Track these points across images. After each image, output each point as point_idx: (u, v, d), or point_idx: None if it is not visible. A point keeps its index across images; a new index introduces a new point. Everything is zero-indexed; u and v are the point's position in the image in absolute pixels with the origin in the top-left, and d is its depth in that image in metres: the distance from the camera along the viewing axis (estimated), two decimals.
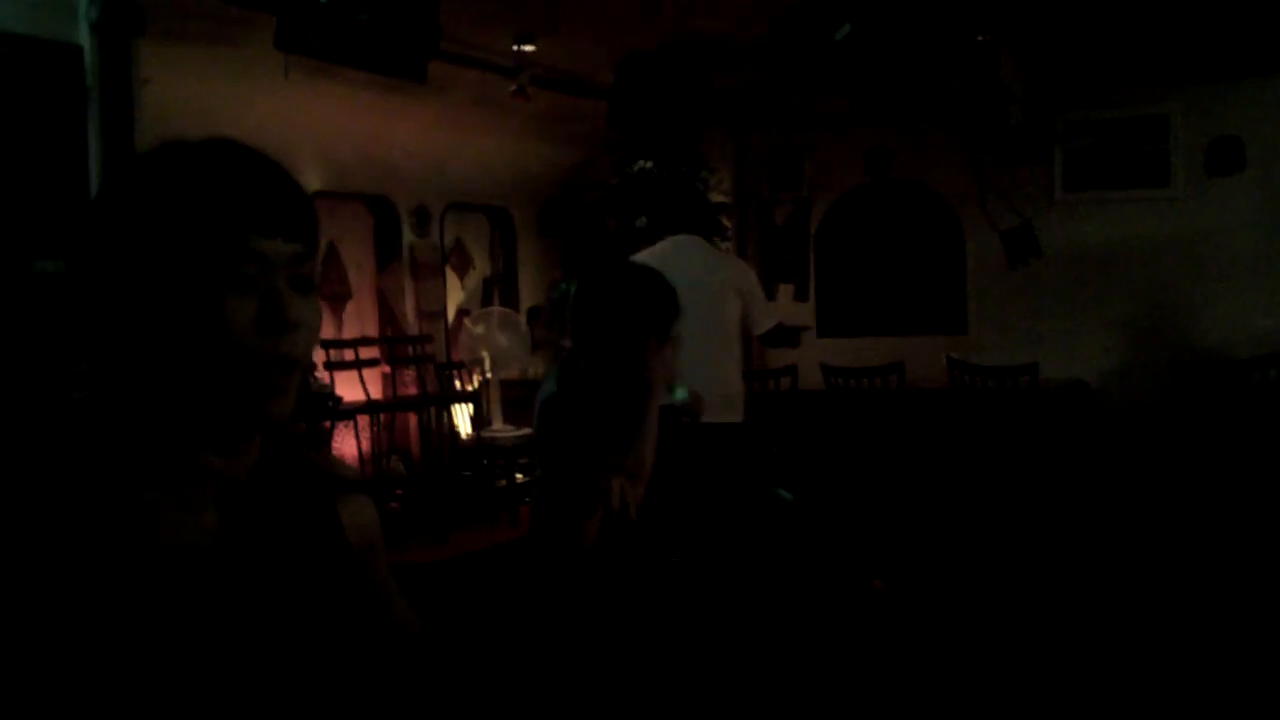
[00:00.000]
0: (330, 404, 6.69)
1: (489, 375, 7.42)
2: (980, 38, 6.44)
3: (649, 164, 7.17)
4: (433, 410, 7.46)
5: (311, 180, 7.03)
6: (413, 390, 7.69)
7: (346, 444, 7.15)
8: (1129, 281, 7.70)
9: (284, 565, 1.00)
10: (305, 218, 0.97)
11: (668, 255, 4.46)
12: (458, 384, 7.62)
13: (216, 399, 0.93)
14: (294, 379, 0.96)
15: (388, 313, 7.93)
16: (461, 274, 8.68)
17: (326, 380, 6.85)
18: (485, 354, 7.44)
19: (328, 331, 7.51)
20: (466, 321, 7.95)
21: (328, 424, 6.92)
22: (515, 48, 6.46)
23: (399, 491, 7.20)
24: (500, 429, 7.15)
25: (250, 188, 0.94)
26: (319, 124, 6.61)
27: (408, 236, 7.83)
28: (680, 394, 3.88)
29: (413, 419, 7.63)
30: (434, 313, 8.11)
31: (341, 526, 1.08)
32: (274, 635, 0.96)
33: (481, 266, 8.90)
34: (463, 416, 7.66)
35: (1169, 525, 5.92)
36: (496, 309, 8.01)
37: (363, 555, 1.09)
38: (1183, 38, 6.80)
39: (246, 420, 0.96)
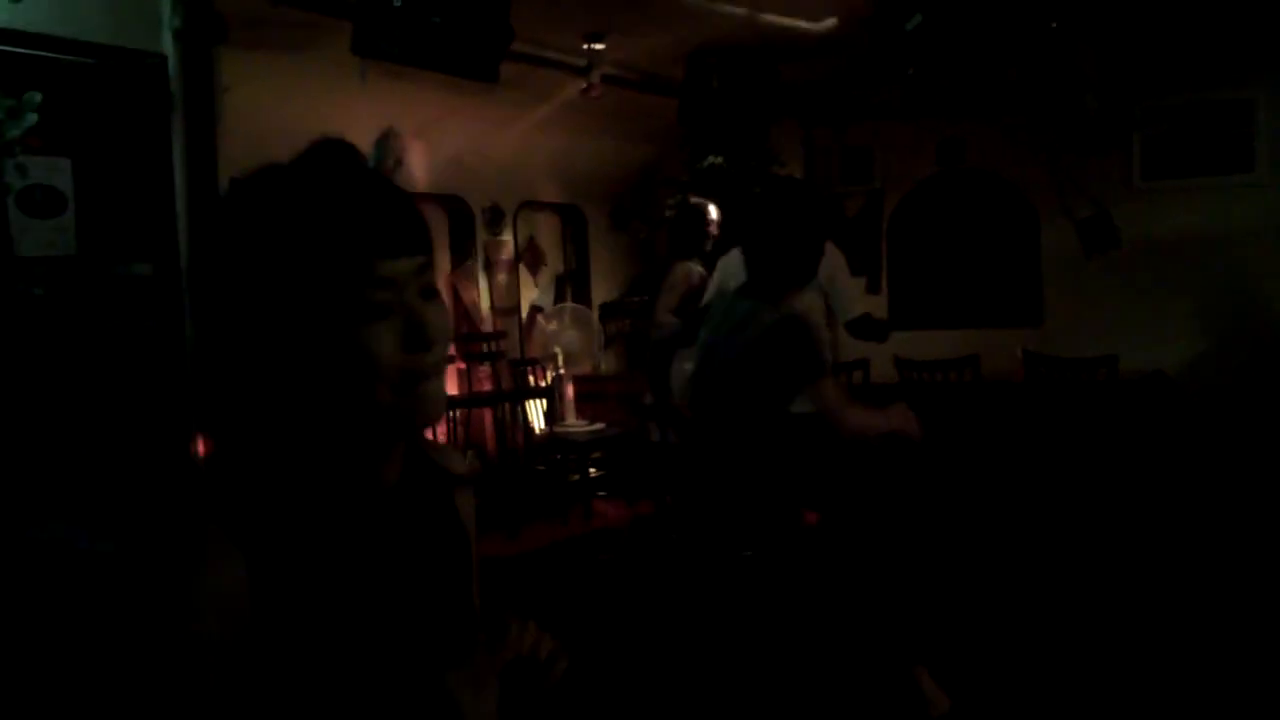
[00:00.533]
0: None
1: (562, 371, 7.48)
2: (1054, 24, 6.35)
3: (719, 159, 7.18)
4: (507, 406, 7.54)
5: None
6: (487, 386, 7.79)
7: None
8: (1211, 270, 7.54)
9: (424, 559, 1.04)
10: (420, 228, 0.98)
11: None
12: (531, 380, 7.69)
13: (369, 411, 0.94)
14: (439, 382, 0.98)
15: (462, 310, 8.03)
16: (534, 271, 8.76)
17: None
18: (558, 350, 7.51)
19: None
20: (540, 318, 8.02)
21: None
22: (585, 46, 6.50)
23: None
24: (573, 424, 7.21)
25: (366, 211, 0.94)
26: (394, 125, 6.71)
27: (481, 235, 7.92)
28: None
29: (488, 415, 7.72)
30: (508, 309, 8.20)
31: (460, 521, 1.12)
32: (415, 625, 1.01)
33: (554, 263, 8.97)
34: (536, 412, 7.73)
35: (1254, 519, 5.80)
36: (569, 305, 8.07)
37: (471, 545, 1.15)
38: (1265, 19, 6.64)
39: (400, 426, 0.98)
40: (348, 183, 0.96)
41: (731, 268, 4.54)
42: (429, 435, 1.14)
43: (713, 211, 5.79)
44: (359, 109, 6.19)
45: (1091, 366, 6.61)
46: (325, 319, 0.91)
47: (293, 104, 5.85)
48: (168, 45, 4.45)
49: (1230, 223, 7.48)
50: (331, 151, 0.98)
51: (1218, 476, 6.58)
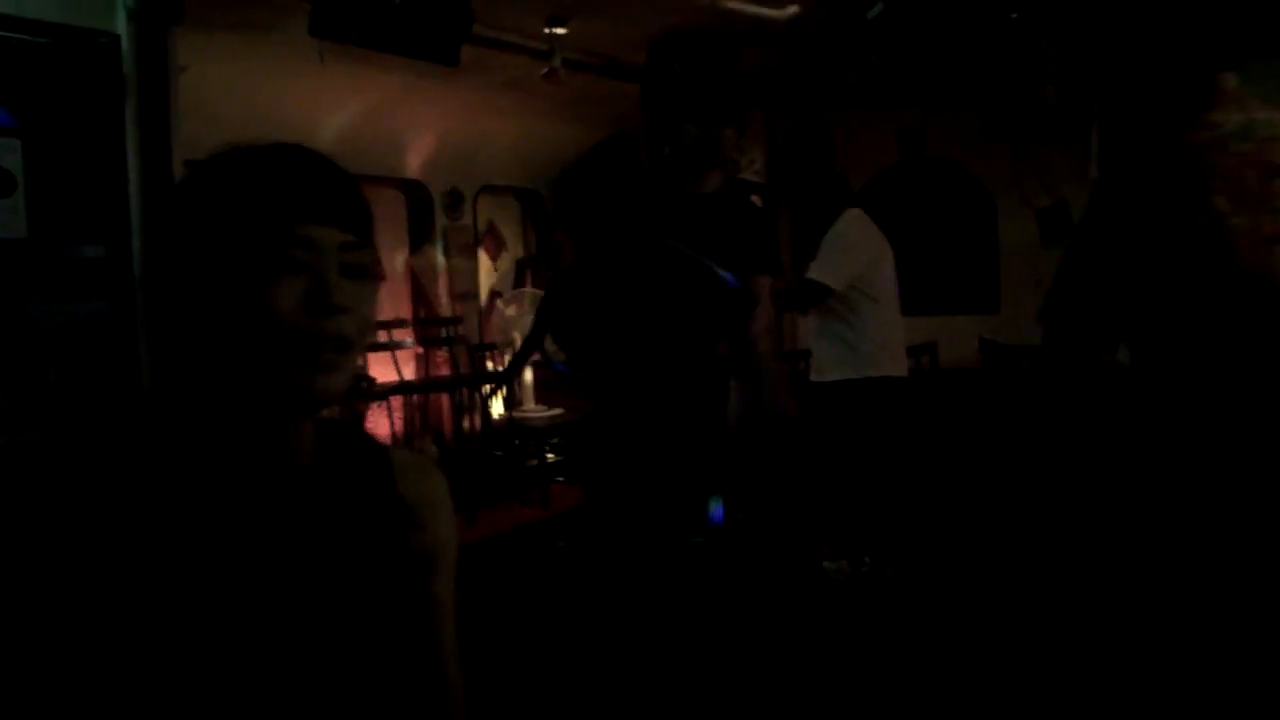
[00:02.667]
0: (364, 385, 6.76)
1: None
2: (1014, 15, 6.38)
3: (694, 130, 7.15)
4: (465, 391, 7.51)
5: (346, 164, 7.07)
6: (445, 371, 7.75)
7: (380, 425, 7.22)
8: None
9: (339, 546, 1.02)
10: (357, 209, 1.02)
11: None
12: (490, 365, 7.66)
13: (267, 377, 0.96)
14: (344, 359, 0.99)
15: (420, 295, 7.99)
16: (494, 256, 8.71)
17: (360, 361, 6.90)
18: (517, 335, 7.47)
19: None
20: (499, 303, 7.99)
21: (361, 405, 6.99)
22: (547, 30, 6.46)
23: None
24: (532, 409, 7.19)
25: (303, 178, 0.99)
26: (353, 109, 6.65)
27: (440, 219, 7.86)
28: None
29: (445, 400, 7.69)
30: (467, 294, 8.15)
31: (405, 505, 1.10)
32: (320, 611, 0.99)
33: (514, 248, 8.93)
34: (495, 397, 7.70)
35: (1197, 500, 5.88)
36: (529, 290, 8.04)
37: (423, 528, 1.12)
38: (1222, 13, 6.69)
39: (296, 397, 0.98)
40: (298, 155, 1.01)
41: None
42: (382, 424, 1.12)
43: None
44: (317, 91, 6.12)
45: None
46: (243, 264, 0.94)
47: (250, 86, 5.78)
48: (121, 25, 4.37)
49: None
50: (298, 145, 1.03)
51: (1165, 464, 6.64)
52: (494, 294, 8.37)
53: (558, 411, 7.06)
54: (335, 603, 1.00)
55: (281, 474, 1.00)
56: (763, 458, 5.06)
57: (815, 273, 5.12)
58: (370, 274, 1.01)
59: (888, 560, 5.13)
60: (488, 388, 7.25)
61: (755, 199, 7.45)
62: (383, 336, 7.34)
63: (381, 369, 7.06)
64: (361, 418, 7.03)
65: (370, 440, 1.15)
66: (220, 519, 0.96)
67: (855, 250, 5.10)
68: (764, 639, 4.31)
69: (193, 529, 0.94)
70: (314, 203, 0.98)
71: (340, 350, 0.98)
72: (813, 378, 5.24)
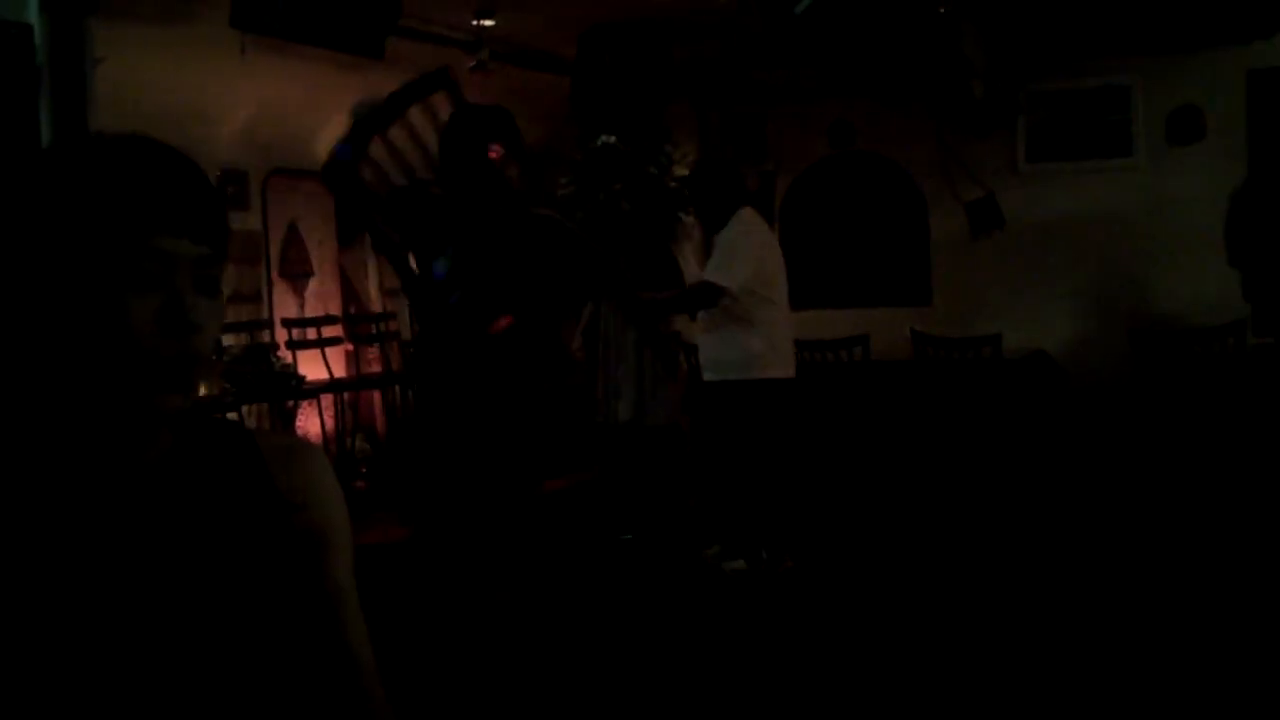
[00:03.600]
0: (293, 383, 6.65)
1: None
2: (942, 10, 6.44)
3: (612, 139, 7.13)
4: (397, 388, 7.43)
5: (271, 158, 6.96)
6: (376, 368, 7.66)
7: (310, 423, 7.11)
8: (1091, 251, 7.75)
9: (202, 537, 0.98)
10: (214, 221, 0.97)
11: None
12: None
13: (114, 392, 0.92)
14: (193, 376, 0.95)
15: (350, 291, 7.88)
16: None
17: (289, 359, 6.80)
18: None
19: (290, 310, 7.45)
20: None
21: (291, 403, 6.88)
22: (475, 22, 6.40)
23: (363, 470, 7.17)
24: None
25: (158, 186, 0.93)
26: (276, 101, 6.53)
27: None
28: None
29: (377, 397, 7.59)
30: (397, 290, 8.05)
31: (278, 489, 1.04)
32: (187, 605, 0.95)
33: None
34: None
35: (1131, 495, 5.99)
36: None
37: (303, 507, 1.05)
38: (1142, 8, 6.81)
39: (141, 415, 0.95)
40: (153, 155, 0.96)
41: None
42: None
43: None
44: (238, 84, 6.01)
45: (977, 345, 6.76)
46: (92, 276, 0.90)
47: (169, 78, 5.66)
48: (34, 15, 4.24)
49: (1109, 205, 7.69)
50: (150, 139, 0.97)
51: (1096, 453, 6.78)
52: None
53: None
54: (205, 595, 0.96)
55: (131, 467, 0.96)
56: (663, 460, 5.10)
57: (711, 274, 5.10)
58: (220, 291, 0.98)
59: (785, 554, 5.13)
60: None
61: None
62: (312, 334, 7.23)
63: (311, 366, 6.95)
64: (291, 415, 6.92)
65: (235, 427, 1.10)
66: (63, 517, 0.92)
67: (752, 251, 5.08)
68: (670, 641, 4.33)
69: (31, 530, 0.91)
70: (169, 212, 0.93)
71: (188, 368, 0.94)
72: (706, 377, 5.24)
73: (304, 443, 1.16)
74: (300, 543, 1.04)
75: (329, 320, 7.49)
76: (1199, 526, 5.35)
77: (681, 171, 7.58)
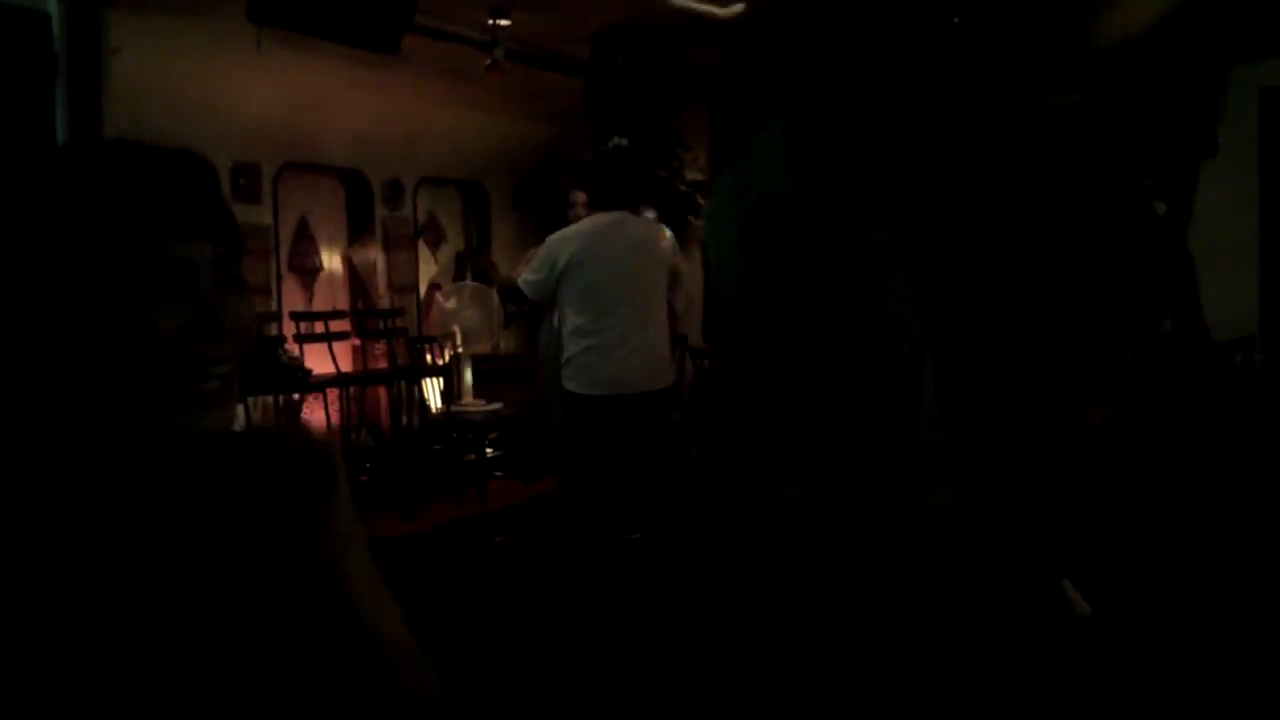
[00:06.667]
0: (300, 376, 6.67)
1: (460, 350, 7.40)
2: (956, 20, 6.44)
3: (623, 141, 7.14)
4: (403, 384, 7.44)
5: (283, 152, 6.98)
6: (383, 363, 7.68)
7: (316, 416, 7.13)
8: None
9: (209, 553, 0.94)
10: (225, 218, 0.95)
11: (600, 229, 4.63)
12: (429, 358, 7.60)
13: (144, 412, 0.89)
14: (228, 391, 0.93)
15: (359, 286, 7.91)
16: (434, 248, 8.64)
17: (296, 352, 6.83)
18: (456, 328, 7.42)
19: (299, 303, 7.48)
20: (438, 296, 7.92)
21: (297, 396, 6.90)
22: (490, 21, 6.42)
23: (368, 465, 7.19)
24: (471, 403, 7.14)
25: (170, 191, 0.91)
26: (290, 96, 6.56)
27: (380, 210, 7.79)
28: None
29: (383, 392, 7.61)
30: (406, 286, 8.08)
31: (289, 500, 0.99)
32: (190, 618, 0.92)
33: (454, 241, 8.86)
34: (433, 390, 7.64)
35: (1151, 506, 5.98)
36: (469, 283, 7.98)
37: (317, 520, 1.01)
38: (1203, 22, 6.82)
39: (176, 436, 0.91)
40: (152, 160, 0.93)
41: (569, 245, 4.62)
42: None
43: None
44: (253, 77, 6.03)
45: None
46: (115, 292, 0.87)
47: (184, 71, 5.68)
48: (52, 4, 4.27)
49: None
50: (142, 143, 0.94)
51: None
52: (433, 286, 8.30)
53: (496, 406, 7.02)
54: (216, 608, 0.93)
55: (148, 478, 0.92)
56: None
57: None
58: (244, 283, 0.96)
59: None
60: None
61: (699, 199, 7.47)
62: (320, 328, 7.25)
63: (318, 360, 6.97)
64: (297, 408, 6.95)
65: (250, 433, 1.06)
66: (77, 535, 0.89)
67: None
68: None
69: (46, 547, 0.88)
70: (183, 217, 0.90)
71: (226, 381, 0.92)
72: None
73: (311, 432, 1.10)
74: (313, 554, 1.00)
75: (337, 315, 7.51)
76: (1200, 541, 5.35)
77: (694, 175, 7.60)
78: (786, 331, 1.84)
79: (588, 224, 4.70)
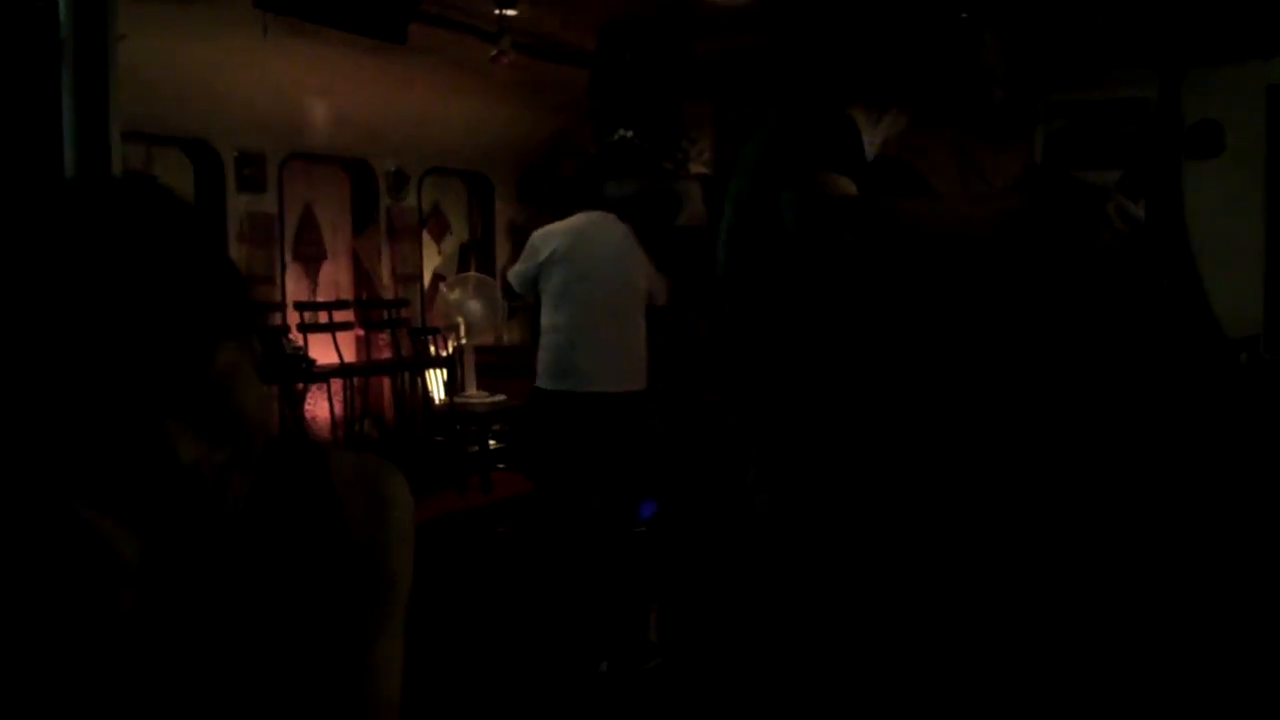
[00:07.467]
0: (303, 366, 6.67)
1: (464, 341, 7.40)
2: (964, 15, 6.42)
3: (629, 133, 7.14)
4: (406, 375, 7.44)
5: (288, 141, 6.97)
6: (387, 354, 7.67)
7: (319, 407, 7.13)
8: None
9: (277, 595, 0.92)
10: (244, 302, 0.90)
11: (582, 228, 4.63)
12: (432, 349, 7.60)
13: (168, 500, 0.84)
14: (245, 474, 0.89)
15: (363, 276, 7.90)
16: (438, 239, 8.64)
17: (300, 342, 6.83)
18: (460, 320, 7.41)
19: (303, 293, 7.48)
20: (442, 286, 7.91)
21: (300, 386, 6.90)
22: (497, 11, 6.39)
23: None
24: (474, 395, 7.14)
25: (194, 287, 0.83)
26: (296, 84, 6.54)
27: (385, 200, 7.78)
28: None
29: (386, 383, 7.61)
30: (410, 277, 8.08)
31: (350, 538, 0.97)
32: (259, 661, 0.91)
33: (459, 231, 8.86)
34: (436, 381, 7.64)
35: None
36: (473, 275, 7.97)
37: (375, 557, 0.99)
38: (1165, 22, 6.80)
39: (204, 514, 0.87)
40: (178, 247, 0.83)
41: (553, 240, 4.63)
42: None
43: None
44: (260, 64, 6.01)
45: None
46: (127, 408, 0.79)
47: (191, 56, 5.67)
48: None
49: None
50: (159, 200, 0.85)
51: None
52: (437, 277, 8.29)
53: (500, 397, 7.02)
54: (268, 648, 0.91)
55: (209, 518, 0.87)
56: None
57: None
58: (254, 351, 0.90)
59: None
60: None
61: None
62: (324, 318, 7.26)
63: (322, 350, 6.97)
64: (301, 398, 6.94)
65: (309, 452, 1.01)
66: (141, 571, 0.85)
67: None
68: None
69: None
70: (214, 319, 0.83)
71: (240, 468, 0.88)
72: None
73: (379, 466, 1.08)
74: (363, 586, 0.99)
75: (341, 305, 7.52)
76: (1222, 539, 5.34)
77: (698, 168, 7.59)
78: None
79: (573, 221, 4.70)
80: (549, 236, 4.65)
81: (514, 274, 4.81)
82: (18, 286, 0.78)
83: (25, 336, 0.77)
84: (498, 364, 7.42)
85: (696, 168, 7.47)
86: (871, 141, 2.12)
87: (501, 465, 7.11)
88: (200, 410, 0.82)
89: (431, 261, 8.48)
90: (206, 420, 0.83)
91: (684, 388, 6.15)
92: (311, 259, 7.67)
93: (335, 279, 7.83)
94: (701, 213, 5.07)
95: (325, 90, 6.74)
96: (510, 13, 6.41)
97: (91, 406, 0.78)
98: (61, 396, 0.78)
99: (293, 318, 7.08)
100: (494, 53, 6.52)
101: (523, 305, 7.84)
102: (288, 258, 7.37)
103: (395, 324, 7.66)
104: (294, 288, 7.39)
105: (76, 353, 0.77)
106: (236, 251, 6.77)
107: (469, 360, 7.26)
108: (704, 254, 3.55)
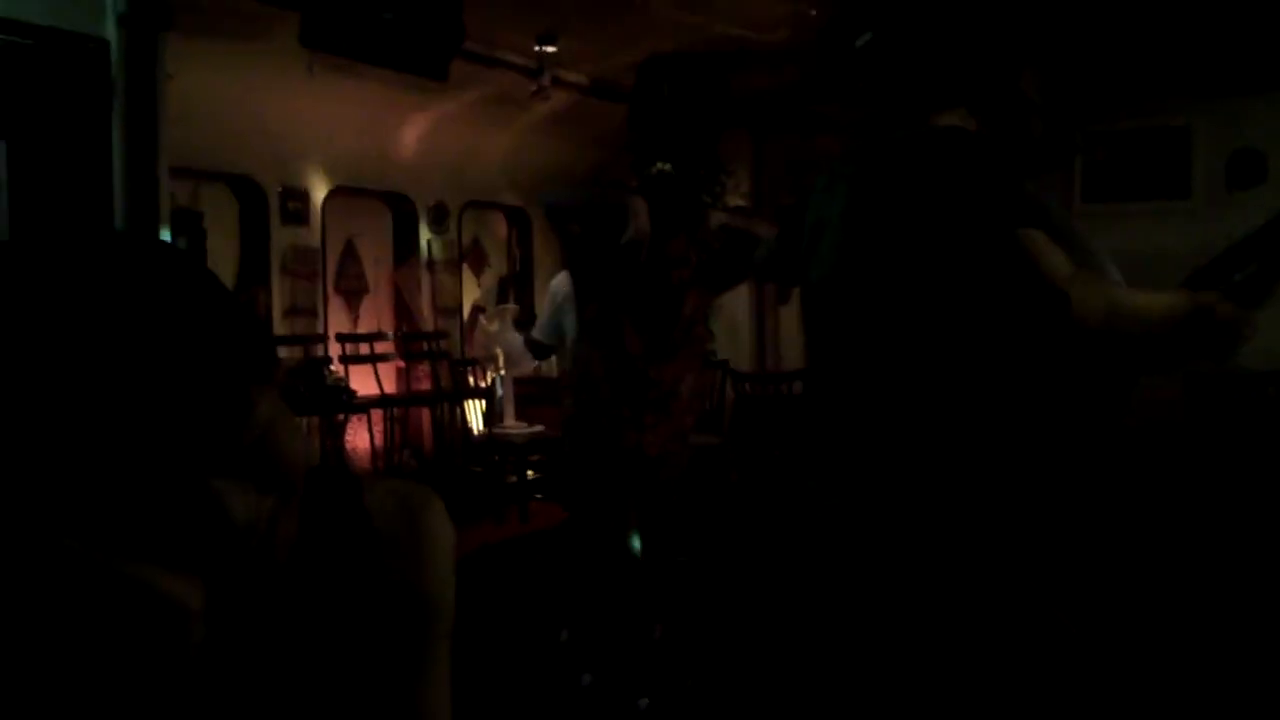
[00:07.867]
0: (344, 397, 6.74)
1: (502, 372, 7.45)
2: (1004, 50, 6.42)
3: (667, 166, 7.17)
4: (445, 406, 7.50)
5: (332, 176, 7.08)
6: (426, 385, 7.73)
7: (359, 437, 7.19)
8: None
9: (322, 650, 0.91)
10: (267, 350, 0.86)
11: None
12: (471, 380, 7.65)
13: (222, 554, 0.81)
14: (291, 517, 0.86)
15: (403, 308, 7.98)
16: (478, 271, 8.71)
17: (341, 373, 6.90)
18: (499, 351, 7.47)
19: (344, 325, 7.56)
20: (481, 319, 7.98)
21: (341, 417, 6.97)
22: (537, 48, 6.48)
23: None
24: (512, 425, 7.18)
25: (230, 341, 0.81)
26: (340, 120, 6.65)
27: (425, 233, 7.86)
28: None
29: (426, 414, 7.67)
30: (449, 309, 8.15)
31: (389, 578, 0.96)
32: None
33: (498, 265, 8.93)
34: (475, 412, 7.69)
35: (1185, 537, 5.91)
36: (511, 307, 8.04)
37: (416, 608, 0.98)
38: (1204, 51, 6.78)
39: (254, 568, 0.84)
40: (209, 303, 0.81)
41: (567, 281, 4.61)
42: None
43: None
44: (305, 102, 6.12)
45: None
46: (175, 470, 0.77)
47: (238, 94, 5.78)
48: (110, 30, 4.36)
49: (1165, 247, 7.58)
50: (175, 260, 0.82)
51: (1151, 496, 6.69)
52: (477, 309, 8.36)
53: (538, 428, 7.05)
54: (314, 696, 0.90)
55: (262, 568, 0.85)
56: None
57: None
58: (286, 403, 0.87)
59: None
60: None
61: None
62: (365, 349, 7.33)
63: (363, 381, 7.04)
64: (341, 429, 7.01)
65: (344, 485, 0.99)
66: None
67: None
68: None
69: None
70: (247, 371, 0.81)
71: (284, 511, 0.84)
72: None
73: (420, 496, 1.06)
74: (407, 621, 0.98)
75: (381, 336, 7.60)
76: (1252, 568, 5.28)
77: (736, 201, 7.60)
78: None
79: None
80: (563, 278, 4.69)
81: (536, 328, 4.83)
82: (52, 362, 0.75)
83: (65, 406, 0.74)
84: (535, 395, 7.46)
85: (734, 200, 7.48)
86: None
87: (539, 495, 7.13)
88: (245, 462, 0.81)
89: (471, 294, 8.55)
90: (252, 471, 0.81)
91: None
92: (353, 292, 7.77)
93: (376, 311, 7.91)
94: (646, 229, 4.99)
95: (368, 126, 6.84)
96: (550, 49, 6.49)
97: (139, 471, 0.76)
98: (107, 463, 0.75)
99: (334, 349, 7.16)
100: (534, 88, 6.60)
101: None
102: (329, 290, 7.46)
103: (435, 355, 7.72)
104: (335, 319, 7.48)
105: (119, 419, 0.75)
106: (280, 284, 6.87)
107: (507, 391, 7.31)
108: (640, 270, 3.61)
